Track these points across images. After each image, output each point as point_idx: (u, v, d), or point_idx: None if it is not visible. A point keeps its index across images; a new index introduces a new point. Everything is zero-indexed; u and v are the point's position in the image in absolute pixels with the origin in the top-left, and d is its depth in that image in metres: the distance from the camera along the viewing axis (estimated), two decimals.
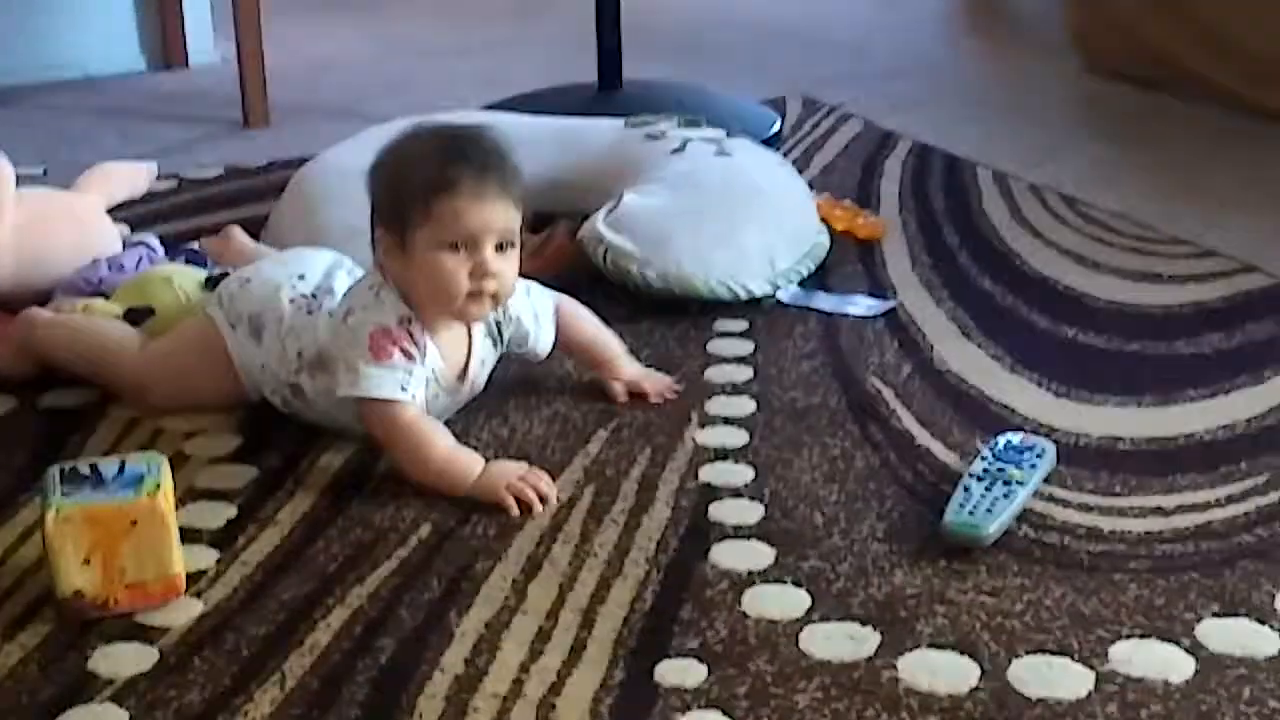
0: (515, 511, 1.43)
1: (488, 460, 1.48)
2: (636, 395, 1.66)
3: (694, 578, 1.33)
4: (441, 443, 1.48)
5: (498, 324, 1.60)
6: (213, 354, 1.60)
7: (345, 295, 1.55)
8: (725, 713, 1.15)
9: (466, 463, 1.47)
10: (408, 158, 1.50)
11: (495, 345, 1.61)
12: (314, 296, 1.59)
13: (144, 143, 2.66)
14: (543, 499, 1.44)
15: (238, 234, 1.97)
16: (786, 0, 3.87)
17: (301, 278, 1.61)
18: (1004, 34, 3.61)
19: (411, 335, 1.49)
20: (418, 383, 1.49)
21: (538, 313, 1.63)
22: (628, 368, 1.68)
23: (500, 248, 1.49)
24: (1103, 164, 2.51)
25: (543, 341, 1.64)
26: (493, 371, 1.63)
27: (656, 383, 1.68)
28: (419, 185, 1.47)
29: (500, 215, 1.48)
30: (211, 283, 1.72)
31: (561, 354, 1.69)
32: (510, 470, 1.47)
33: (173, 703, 1.17)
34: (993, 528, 1.36)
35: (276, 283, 1.60)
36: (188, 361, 1.62)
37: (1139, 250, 2.11)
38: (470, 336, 1.57)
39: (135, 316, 1.69)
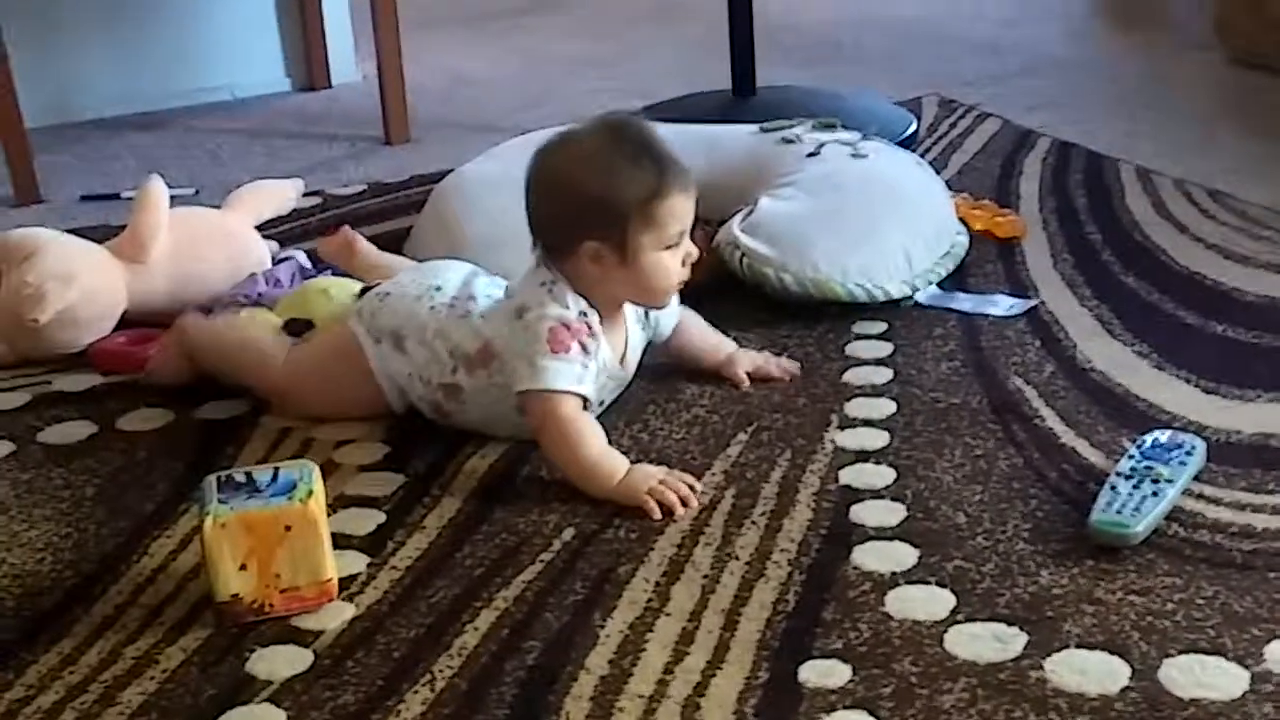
0: (656, 515, 1.44)
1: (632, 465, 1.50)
2: (761, 379, 1.71)
3: (836, 579, 1.33)
4: (594, 442, 1.50)
5: (645, 309, 1.65)
6: (354, 366, 1.64)
7: (511, 295, 1.58)
8: (870, 713, 1.15)
9: (613, 464, 1.49)
10: (603, 167, 1.52)
11: (644, 328, 1.65)
12: (453, 305, 1.62)
13: (290, 161, 2.73)
14: (684, 502, 1.46)
15: (348, 234, 1.93)
16: (919, 1, 3.84)
17: (438, 289, 1.64)
18: (1144, 26, 3.54)
19: (590, 328, 1.53)
20: (591, 377, 1.52)
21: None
22: (743, 360, 1.73)
23: None
24: (1249, 157, 2.46)
25: (664, 321, 1.69)
26: (643, 355, 1.66)
27: (778, 364, 1.73)
28: (636, 194, 1.51)
29: (694, 203, 1.55)
30: (365, 294, 1.76)
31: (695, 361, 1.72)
32: (652, 474, 1.48)
33: (328, 704, 1.20)
34: (1141, 527, 1.34)
35: (415, 294, 1.64)
36: (330, 373, 1.66)
37: None
38: (625, 322, 1.61)
39: (296, 328, 1.73)
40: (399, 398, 1.64)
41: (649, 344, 1.68)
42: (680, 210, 1.53)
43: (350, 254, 1.91)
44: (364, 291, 1.74)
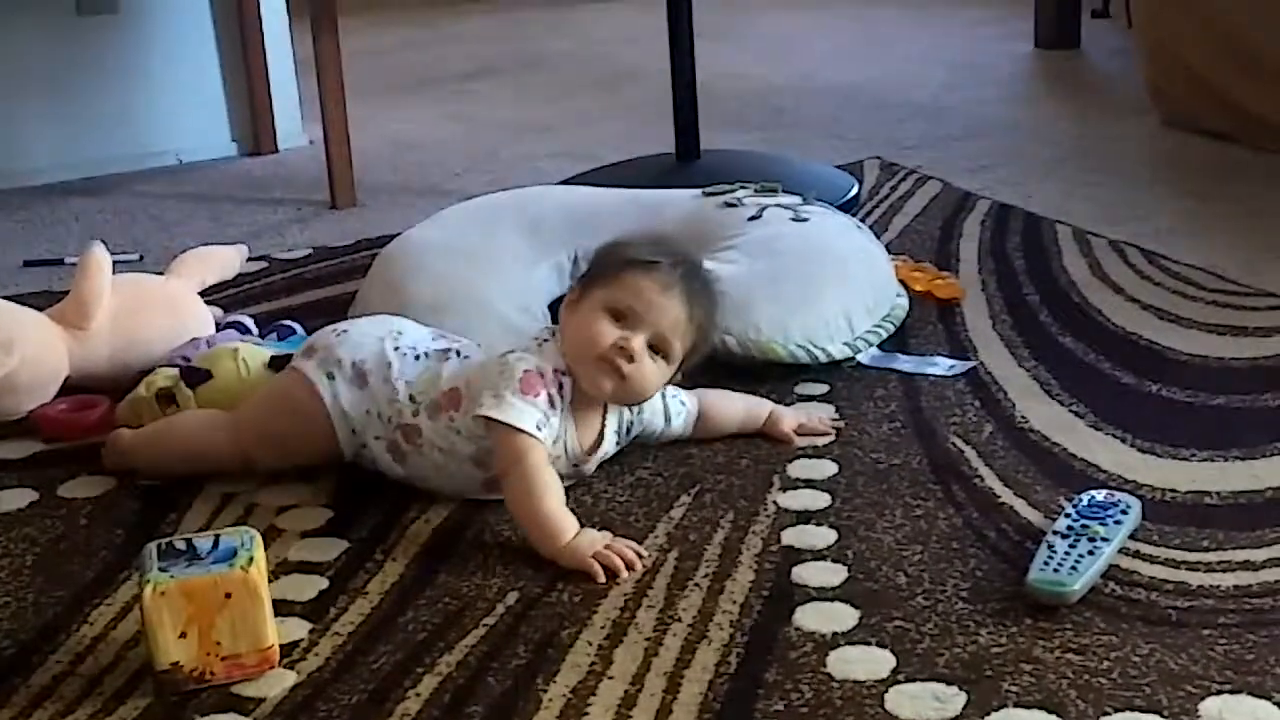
0: (601, 578, 1.45)
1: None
2: (808, 434, 1.74)
3: (778, 640, 1.34)
4: (554, 497, 1.51)
5: (629, 425, 1.67)
6: (304, 407, 1.63)
7: (508, 349, 1.60)
8: None
9: (564, 524, 1.49)
10: (629, 242, 1.64)
11: (619, 444, 1.67)
12: (415, 350, 1.64)
13: (235, 226, 2.73)
14: (629, 566, 1.46)
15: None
16: (861, 66, 3.89)
17: (400, 333, 1.67)
18: (1080, 90, 3.61)
19: (561, 386, 1.56)
20: (551, 432, 1.54)
21: (670, 413, 1.70)
22: (786, 417, 1.75)
23: (655, 349, 1.56)
24: (1184, 218, 2.50)
25: (671, 433, 1.70)
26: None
27: (819, 422, 1.76)
28: (623, 257, 1.59)
29: (668, 314, 1.56)
30: (276, 362, 1.77)
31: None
32: (599, 539, 1.49)
33: None
34: (1078, 585, 1.36)
35: (377, 335, 1.66)
36: (281, 419, 1.65)
37: (1223, 304, 2.10)
38: (603, 426, 1.63)
39: (192, 377, 1.74)
40: (350, 439, 1.64)
41: (636, 437, 1.70)
42: (641, 290, 1.55)
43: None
44: (274, 360, 1.76)
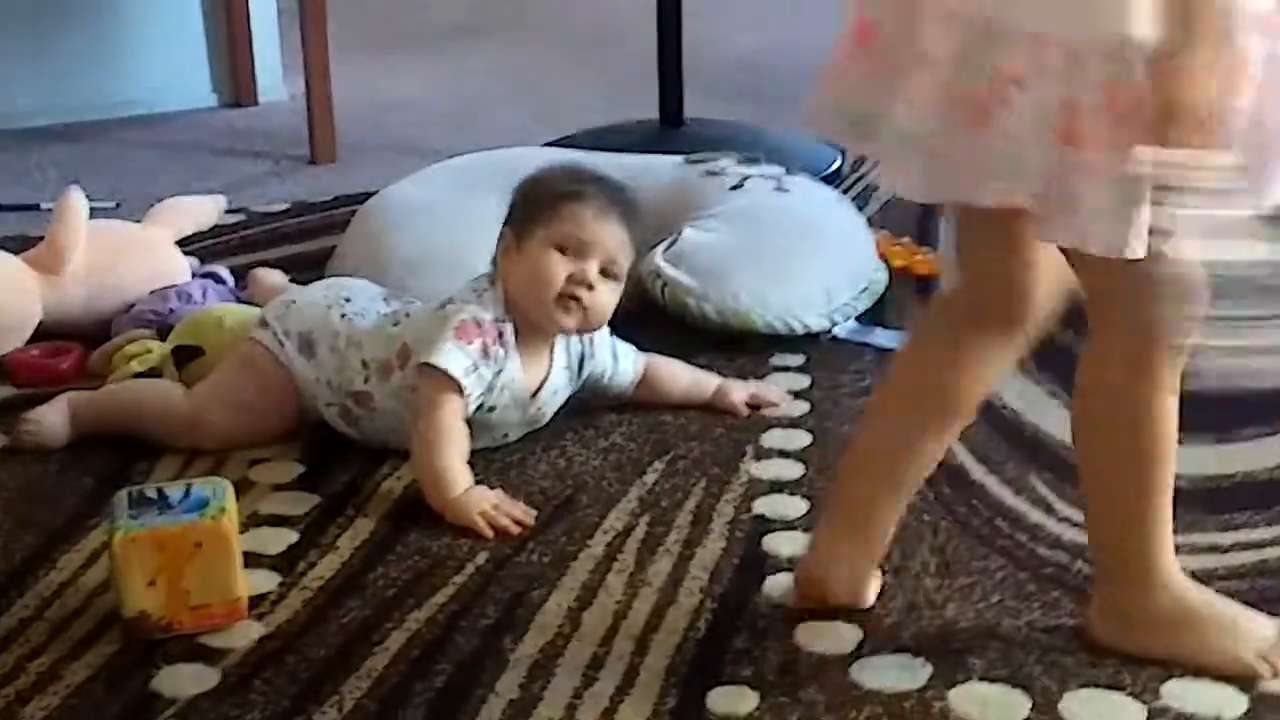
0: (488, 534, 1.46)
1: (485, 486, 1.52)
2: (757, 406, 1.73)
3: (747, 609, 1.34)
4: (455, 453, 1.52)
5: (580, 358, 1.66)
6: (264, 373, 1.64)
7: (447, 298, 1.61)
8: None
9: (457, 479, 1.50)
10: (549, 176, 1.65)
11: (571, 380, 1.66)
12: (364, 316, 1.64)
13: (213, 178, 2.71)
14: (519, 523, 1.47)
15: (263, 276, 1.99)
16: None
17: (347, 300, 1.67)
18: None
19: (501, 335, 1.56)
20: (481, 382, 1.54)
21: (617, 352, 1.70)
22: (736, 389, 1.74)
23: (605, 273, 1.58)
24: None
25: (619, 379, 1.70)
26: (561, 406, 1.66)
27: (769, 392, 1.76)
28: (552, 192, 1.59)
29: (613, 237, 1.59)
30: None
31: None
32: (487, 497, 1.50)
33: None
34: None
35: (324, 304, 1.66)
36: (241, 388, 1.64)
37: None
38: (551, 360, 1.63)
39: (184, 355, 1.72)
40: (311, 402, 1.64)
41: (580, 391, 1.69)
42: (583, 221, 1.57)
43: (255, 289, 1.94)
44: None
